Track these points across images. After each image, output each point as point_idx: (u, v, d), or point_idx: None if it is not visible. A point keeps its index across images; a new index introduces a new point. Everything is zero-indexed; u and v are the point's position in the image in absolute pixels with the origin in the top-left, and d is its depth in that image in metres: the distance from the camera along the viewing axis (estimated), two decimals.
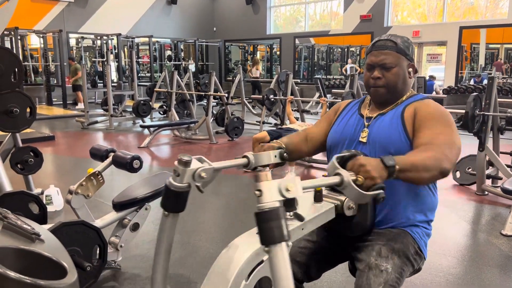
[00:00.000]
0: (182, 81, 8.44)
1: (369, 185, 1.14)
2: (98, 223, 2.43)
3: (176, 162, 1.19)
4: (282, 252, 0.99)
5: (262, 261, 1.12)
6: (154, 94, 8.93)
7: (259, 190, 1.01)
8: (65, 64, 12.28)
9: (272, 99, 6.80)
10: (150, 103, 8.66)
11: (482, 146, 4.06)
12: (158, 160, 6.02)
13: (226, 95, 7.41)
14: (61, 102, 11.89)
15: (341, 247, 1.55)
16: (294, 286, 1.49)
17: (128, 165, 2.49)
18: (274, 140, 1.60)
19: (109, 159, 2.58)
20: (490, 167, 4.38)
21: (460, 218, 3.57)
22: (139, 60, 15.19)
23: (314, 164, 5.33)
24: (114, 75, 13.46)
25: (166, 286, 1.33)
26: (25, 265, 0.92)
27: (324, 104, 5.31)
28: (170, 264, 2.71)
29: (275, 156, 1.40)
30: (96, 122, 8.71)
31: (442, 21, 12.26)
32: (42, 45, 12.62)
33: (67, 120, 9.66)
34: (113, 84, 9.67)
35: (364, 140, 1.52)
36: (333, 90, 10.74)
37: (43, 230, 1.11)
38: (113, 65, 13.50)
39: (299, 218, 1.05)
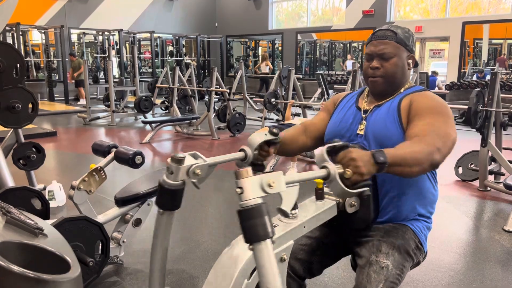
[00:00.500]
0: (183, 76, 8.43)
1: (357, 180, 1.11)
2: (100, 218, 2.44)
3: (169, 160, 1.17)
4: (267, 249, 0.97)
5: None
6: (156, 89, 8.92)
7: (240, 188, 0.98)
8: (66, 60, 12.28)
9: (274, 102, 6.76)
10: (152, 99, 8.65)
11: (484, 142, 4.05)
12: (160, 156, 6.03)
13: (228, 91, 7.40)
14: (63, 98, 11.90)
15: (342, 242, 1.54)
16: (296, 283, 1.50)
17: (130, 160, 2.49)
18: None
19: (111, 155, 2.58)
20: (493, 163, 4.37)
21: (463, 214, 3.57)
22: (141, 55, 15.17)
23: None
24: (116, 71, 13.46)
25: (164, 285, 1.33)
26: (28, 259, 0.92)
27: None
28: (172, 260, 2.71)
29: (266, 134, 1.39)
30: (98, 118, 8.72)
31: (444, 17, 12.20)
32: (44, 41, 12.61)
33: (69, 116, 9.67)
34: (115, 80, 9.66)
35: (362, 132, 1.51)
36: (335, 86, 10.73)
37: (46, 225, 1.11)
38: (114, 61, 13.49)
39: (284, 213, 1.03)
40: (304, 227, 1.23)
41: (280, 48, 15.65)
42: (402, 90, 1.53)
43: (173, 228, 3.49)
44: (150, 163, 5.37)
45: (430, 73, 10.71)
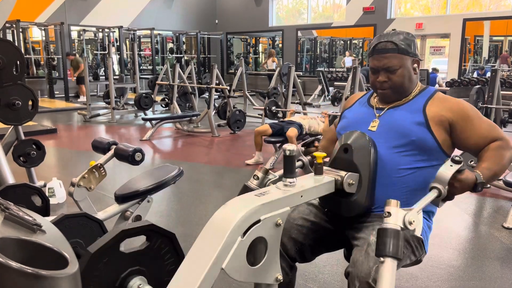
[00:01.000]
0: (184, 73, 8.42)
1: (445, 197, 1.33)
2: (100, 215, 2.44)
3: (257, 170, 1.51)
4: (393, 266, 1.16)
5: (259, 220, 1.12)
6: (156, 87, 8.92)
7: (389, 212, 1.20)
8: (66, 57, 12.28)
9: (274, 111, 6.74)
10: (152, 96, 8.65)
11: None
12: (160, 153, 6.03)
13: (228, 88, 7.39)
14: (63, 95, 11.90)
15: (339, 231, 1.55)
16: (286, 263, 1.51)
17: (130, 157, 2.50)
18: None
19: (111, 152, 2.58)
20: None
21: (462, 210, 3.57)
22: (141, 52, 15.15)
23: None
24: (116, 68, 13.45)
25: None
26: (26, 255, 0.92)
27: (326, 118, 5.26)
28: None
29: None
30: (98, 115, 8.72)
31: (445, 13, 12.18)
32: (44, 38, 12.60)
33: (69, 113, 9.67)
34: (115, 77, 9.66)
35: (374, 129, 1.54)
36: (335, 83, 10.72)
37: (45, 221, 1.12)
38: (115, 58, 13.48)
39: (418, 240, 1.36)
40: (302, 196, 1.25)
41: (280, 45, 15.63)
42: (417, 92, 1.58)
43: (173, 225, 3.50)
44: (150, 160, 5.37)
45: (430, 70, 10.70)
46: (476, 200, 3.86)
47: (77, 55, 12.21)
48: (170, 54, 15.57)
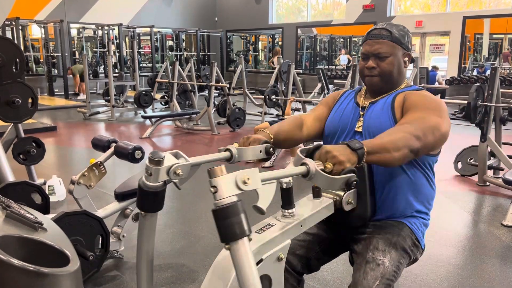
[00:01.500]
0: (183, 71, 8.42)
1: (339, 170, 1.11)
2: (100, 213, 2.45)
3: (147, 161, 1.14)
4: (245, 247, 0.96)
5: (261, 260, 1.11)
6: (156, 84, 8.92)
7: (214, 187, 0.96)
8: (66, 54, 12.26)
9: (274, 99, 6.75)
10: (152, 93, 8.65)
11: (484, 137, 4.06)
12: (160, 151, 6.03)
13: (228, 85, 7.39)
14: (63, 93, 11.89)
15: (340, 238, 1.55)
16: (294, 278, 1.50)
17: (130, 155, 2.50)
18: (263, 128, 1.53)
19: (111, 150, 2.59)
20: (492, 158, 4.37)
21: (461, 208, 3.58)
22: (141, 50, 15.13)
23: None
24: (115, 66, 13.43)
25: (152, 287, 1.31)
26: (28, 253, 0.93)
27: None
28: (172, 254, 2.72)
29: (260, 152, 1.36)
30: (98, 112, 8.71)
31: (445, 11, 12.17)
32: (43, 35, 12.58)
33: (68, 110, 9.67)
34: (114, 75, 9.65)
35: (360, 129, 1.52)
36: (335, 81, 10.71)
37: (46, 219, 1.12)
38: (114, 55, 13.46)
39: (260, 211, 1.01)
40: (301, 226, 1.23)
41: (280, 43, 15.62)
42: (398, 88, 1.54)
43: (173, 222, 3.51)
44: None
45: (430, 68, 10.70)
46: (475, 198, 3.87)
47: (72, 67, 12.12)
48: (169, 52, 15.55)
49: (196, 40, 15.50)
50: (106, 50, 12.90)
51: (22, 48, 10.34)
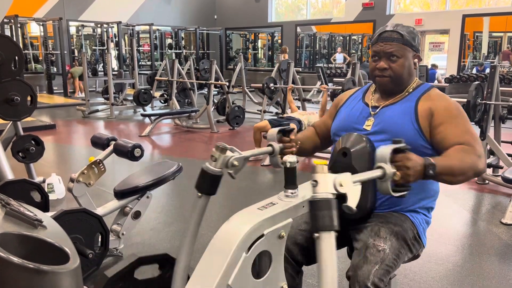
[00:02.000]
0: (183, 69, 8.41)
1: (400, 183, 1.21)
2: (99, 211, 2.45)
3: (213, 149, 1.32)
4: (331, 239, 1.05)
5: (262, 235, 1.13)
6: (155, 82, 8.90)
7: (315, 181, 1.07)
8: (65, 52, 12.23)
9: (272, 88, 6.78)
10: (151, 91, 8.64)
11: (483, 135, 4.06)
12: (159, 149, 6.03)
13: (227, 83, 7.39)
14: (62, 91, 11.88)
15: (342, 230, 1.56)
16: (293, 268, 1.51)
17: (129, 153, 2.50)
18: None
19: (110, 148, 2.58)
20: (491, 156, 4.38)
21: (461, 206, 3.59)
22: (140, 48, 15.11)
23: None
24: (114, 64, 13.41)
25: (189, 263, 1.39)
26: (28, 251, 0.93)
27: (325, 92, 5.30)
28: (172, 251, 2.73)
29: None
30: (97, 110, 8.71)
31: (445, 9, 12.16)
32: (42, 33, 12.56)
33: (68, 108, 9.65)
34: (113, 73, 9.64)
35: (368, 128, 1.53)
36: (334, 79, 10.71)
37: (46, 217, 1.12)
38: (113, 53, 13.44)
39: (350, 209, 1.10)
40: (303, 206, 1.25)
41: (279, 41, 15.60)
42: (411, 89, 1.56)
43: (172, 220, 3.51)
44: (149, 156, 5.37)
45: (429, 66, 10.70)
46: (474, 196, 3.87)
47: (71, 70, 12.06)
48: (169, 50, 15.53)
49: (195, 38, 15.49)
50: (105, 48, 12.88)
51: (21, 46, 10.31)
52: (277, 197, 1.26)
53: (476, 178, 4.22)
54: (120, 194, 2.52)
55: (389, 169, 1.19)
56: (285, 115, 5.68)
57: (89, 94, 8.67)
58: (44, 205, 2.58)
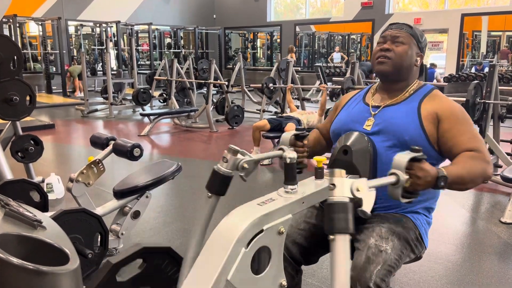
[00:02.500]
0: (182, 69, 8.40)
1: (410, 190, 1.22)
2: (99, 211, 2.44)
3: (226, 151, 1.34)
4: (345, 242, 1.06)
5: (262, 230, 1.13)
6: (154, 82, 8.90)
7: (333, 184, 1.08)
8: (64, 52, 12.21)
9: (272, 88, 6.78)
10: (150, 91, 8.63)
11: (482, 134, 4.06)
12: (158, 149, 6.03)
13: (226, 83, 7.38)
14: (61, 90, 11.86)
15: None
16: (292, 267, 1.51)
17: (129, 153, 2.50)
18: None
19: (110, 147, 2.58)
20: (490, 155, 4.38)
21: (460, 205, 3.59)
22: (139, 48, 15.09)
23: None
24: (113, 63, 13.39)
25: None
26: (27, 251, 0.92)
27: (324, 91, 5.30)
28: None
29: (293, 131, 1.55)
30: (96, 110, 8.70)
31: (443, 8, 12.16)
32: (41, 33, 12.54)
33: (67, 108, 9.64)
34: (112, 72, 9.63)
35: (368, 128, 1.53)
36: (333, 78, 10.70)
37: (45, 217, 1.12)
38: (112, 53, 13.42)
39: (364, 214, 1.11)
40: (303, 202, 1.25)
41: (278, 40, 15.59)
42: (412, 90, 1.56)
43: (172, 220, 3.51)
44: (148, 156, 5.37)
45: (428, 66, 10.70)
46: (473, 195, 3.88)
47: (70, 69, 12.00)
48: (168, 49, 15.51)
49: (194, 38, 15.46)
50: (104, 47, 12.86)
51: (19, 45, 10.29)
52: (277, 193, 1.26)
53: None
54: (119, 193, 2.52)
55: (403, 176, 1.21)
56: (284, 114, 5.68)
57: (88, 94, 8.66)
58: (43, 205, 2.58)
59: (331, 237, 1.06)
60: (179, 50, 15.10)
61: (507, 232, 3.04)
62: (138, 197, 2.56)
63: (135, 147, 2.51)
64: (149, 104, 8.82)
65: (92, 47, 14.36)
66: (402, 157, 1.22)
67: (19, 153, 3.57)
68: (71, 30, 13.75)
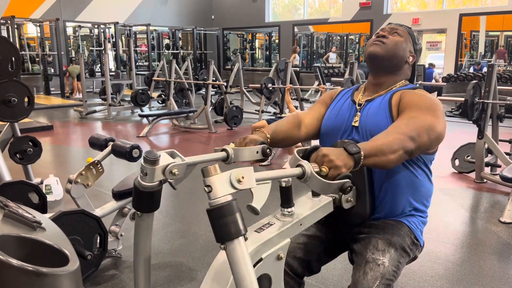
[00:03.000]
0: (180, 70, 8.40)
1: (334, 175, 1.10)
2: (98, 212, 2.44)
3: (142, 160, 1.12)
4: (241, 247, 0.95)
5: (261, 259, 1.11)
6: (153, 83, 8.89)
7: (208, 186, 0.95)
8: (62, 53, 12.19)
9: (270, 88, 6.78)
10: (149, 92, 8.62)
11: (481, 134, 4.06)
12: (157, 149, 6.00)
13: (225, 84, 7.38)
14: (59, 92, 11.84)
15: (339, 237, 1.54)
16: (294, 281, 1.50)
17: (128, 154, 2.49)
18: (260, 128, 1.51)
19: (108, 148, 2.57)
20: (489, 155, 4.39)
21: (459, 205, 3.59)
22: (137, 49, 15.08)
23: None
24: (112, 64, 13.38)
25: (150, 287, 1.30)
26: (27, 253, 0.92)
27: (323, 92, 5.30)
28: (171, 252, 2.71)
29: (257, 153, 1.34)
30: (95, 111, 8.69)
31: (442, 8, 12.18)
32: (39, 34, 12.52)
33: (65, 109, 9.63)
34: (111, 73, 9.61)
35: (357, 124, 1.51)
36: (332, 79, 10.71)
37: (44, 218, 1.11)
38: (111, 54, 13.41)
39: (254, 211, 1.00)
40: (301, 224, 1.22)
41: (277, 41, 15.60)
42: (396, 86, 1.54)
43: (171, 221, 3.50)
44: None
45: (427, 66, 10.71)
46: (473, 195, 3.88)
47: (69, 69, 11.95)
48: (166, 50, 15.50)
49: (192, 39, 15.46)
50: (102, 48, 12.85)
51: (17, 47, 10.28)
52: (274, 217, 1.22)
53: (474, 178, 4.23)
54: (118, 195, 2.51)
55: (307, 165, 1.08)
56: (283, 114, 5.68)
57: (86, 95, 8.65)
58: (42, 207, 2.57)
59: (222, 246, 0.96)
60: (178, 51, 15.10)
61: (507, 232, 3.04)
62: None
63: (134, 148, 2.50)
64: (147, 105, 8.81)
65: (90, 48, 14.34)
66: (294, 153, 1.18)
67: (17, 155, 3.56)
68: (69, 31, 13.74)
